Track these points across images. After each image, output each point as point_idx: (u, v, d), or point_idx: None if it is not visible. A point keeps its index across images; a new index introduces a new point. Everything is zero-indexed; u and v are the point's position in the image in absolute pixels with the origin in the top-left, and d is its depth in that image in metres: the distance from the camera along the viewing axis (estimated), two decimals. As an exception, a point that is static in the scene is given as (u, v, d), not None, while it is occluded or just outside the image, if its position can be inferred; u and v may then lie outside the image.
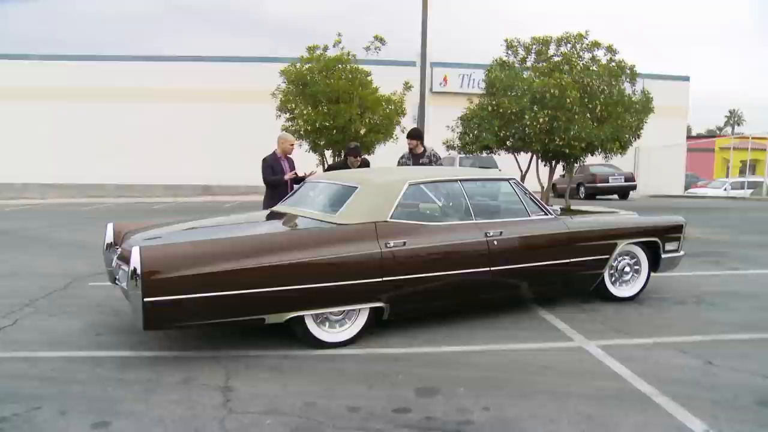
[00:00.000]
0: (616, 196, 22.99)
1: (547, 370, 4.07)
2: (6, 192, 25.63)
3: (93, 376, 3.93)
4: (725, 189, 27.91)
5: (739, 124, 76.07)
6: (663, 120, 28.61)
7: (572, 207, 7.53)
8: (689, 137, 50.04)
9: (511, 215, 5.33)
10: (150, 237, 4.66)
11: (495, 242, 4.94)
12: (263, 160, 7.67)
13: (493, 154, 14.99)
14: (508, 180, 5.50)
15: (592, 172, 22.45)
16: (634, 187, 23.44)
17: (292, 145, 7.89)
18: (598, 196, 22.74)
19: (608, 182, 22.39)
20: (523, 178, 12.83)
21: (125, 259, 4.18)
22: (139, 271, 3.77)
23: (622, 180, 22.62)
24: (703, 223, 13.70)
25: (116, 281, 4.77)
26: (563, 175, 23.94)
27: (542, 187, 12.94)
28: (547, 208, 5.53)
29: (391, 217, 4.67)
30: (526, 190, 5.53)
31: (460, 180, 5.25)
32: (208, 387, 3.73)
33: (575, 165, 12.92)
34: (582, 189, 22.90)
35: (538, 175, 12.78)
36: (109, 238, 5.21)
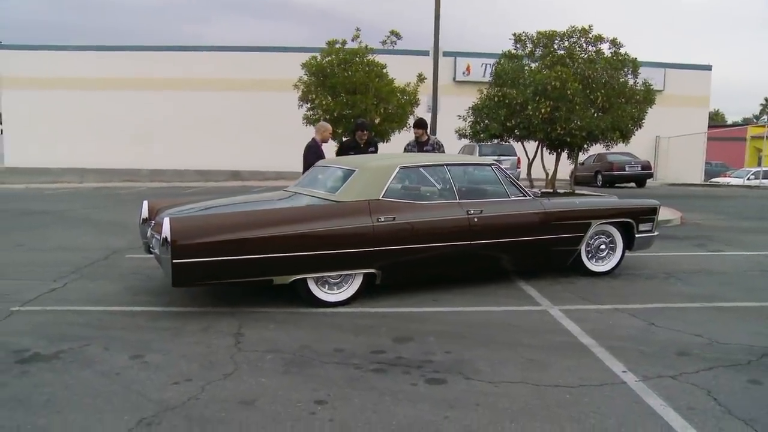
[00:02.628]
0: (633, 184, 23.33)
1: (508, 327, 4.80)
2: (46, 176, 26.95)
3: (130, 324, 4.78)
4: (748, 178, 28.07)
5: (775, 113, 74.44)
6: (684, 109, 28.91)
7: (576, 192, 8.21)
8: (723, 126, 49.72)
9: (491, 196, 6.04)
10: (179, 211, 5.49)
11: (475, 219, 5.65)
12: (308, 147, 8.47)
13: (507, 143, 15.66)
14: (490, 165, 6.21)
15: (609, 161, 22.83)
16: (650, 176, 23.75)
17: (331, 133, 8.80)
18: (616, 184, 23.10)
19: (625, 170, 22.76)
20: (530, 165, 13.46)
21: (158, 229, 5.01)
22: (169, 238, 4.59)
23: (639, 168, 22.97)
24: (708, 209, 14.20)
25: (151, 250, 5.62)
26: (582, 164, 24.44)
27: (547, 174, 13.55)
28: (526, 190, 6.22)
29: (383, 196, 5.43)
30: (507, 174, 6.24)
31: (447, 165, 5.98)
32: (224, 333, 4.54)
33: (580, 153, 13.48)
34: (599, 177, 23.31)
35: (543, 163, 13.38)
36: (145, 213, 6.05)
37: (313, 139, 8.59)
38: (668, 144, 29.65)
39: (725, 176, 31.09)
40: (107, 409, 3.21)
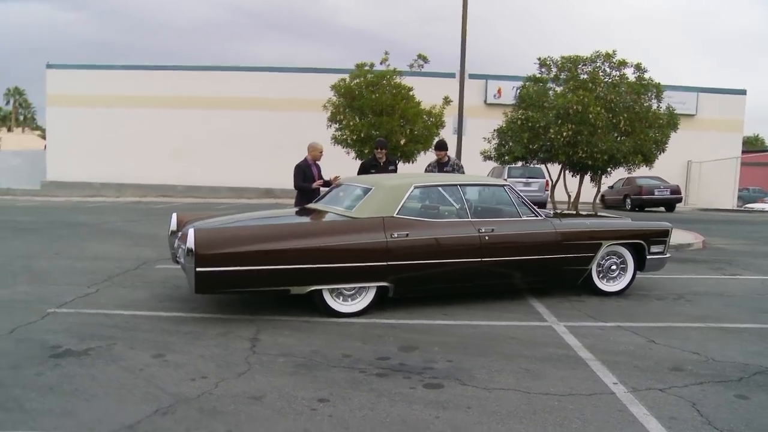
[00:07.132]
0: (662, 209, 23.17)
1: (511, 340, 5.01)
2: (86, 190, 27.99)
3: (155, 328, 5.12)
4: (783, 204, 27.68)
5: (821, 137, 72.50)
6: (717, 133, 28.68)
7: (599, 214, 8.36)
8: (761, 150, 48.92)
9: (503, 215, 6.27)
10: (204, 223, 5.85)
11: (486, 237, 5.89)
12: (297, 166, 8.58)
13: (535, 164, 15.84)
14: (502, 186, 6.45)
15: (639, 184, 22.75)
16: (679, 200, 23.55)
17: (321, 152, 8.78)
18: (645, 208, 22.95)
19: (654, 194, 22.63)
20: (553, 187, 13.62)
21: (184, 239, 5.36)
22: (193, 248, 4.93)
23: (668, 193, 22.83)
24: (734, 234, 14.14)
25: (177, 260, 5.98)
26: (611, 187, 24.40)
27: (569, 197, 13.67)
28: (538, 210, 6.43)
29: (397, 213, 5.70)
30: (519, 194, 6.46)
31: (460, 184, 6.24)
32: (241, 338, 4.85)
33: (603, 176, 13.59)
34: (628, 201, 23.24)
35: (566, 186, 13.51)
36: (173, 225, 6.43)
37: (305, 158, 8.65)
38: (700, 169, 29.36)
39: (762, 202, 30.66)
40: (128, 399, 3.53)
